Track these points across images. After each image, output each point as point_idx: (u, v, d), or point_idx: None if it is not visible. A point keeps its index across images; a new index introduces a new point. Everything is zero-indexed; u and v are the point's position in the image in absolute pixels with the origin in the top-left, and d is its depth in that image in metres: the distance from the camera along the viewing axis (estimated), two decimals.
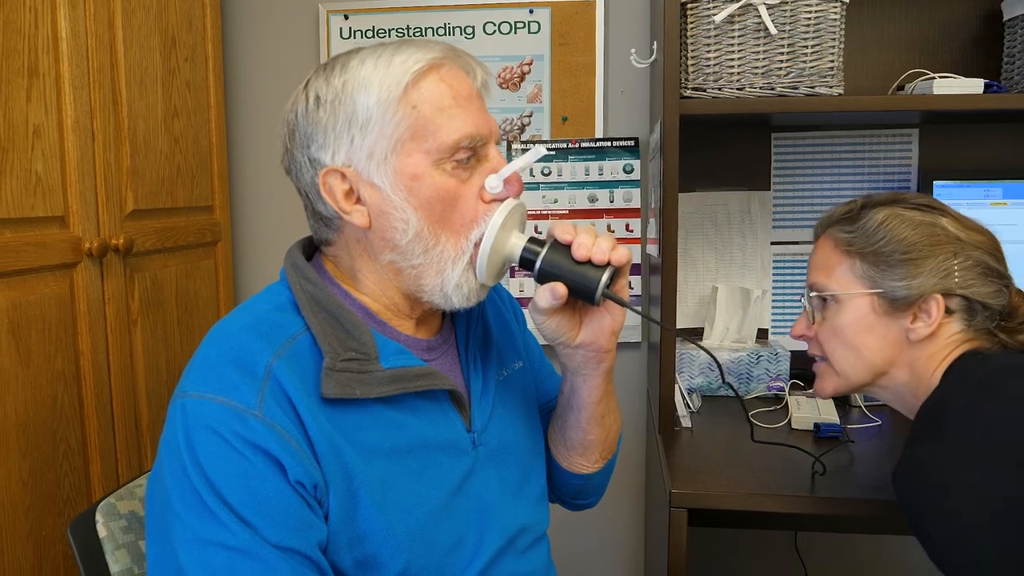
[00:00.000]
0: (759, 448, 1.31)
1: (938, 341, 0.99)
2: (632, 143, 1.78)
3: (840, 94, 1.37)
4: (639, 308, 0.86)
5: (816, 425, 1.38)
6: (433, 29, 1.82)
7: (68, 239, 1.32)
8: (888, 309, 1.00)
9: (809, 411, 1.43)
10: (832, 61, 1.37)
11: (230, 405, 0.74)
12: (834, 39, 1.36)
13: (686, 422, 1.42)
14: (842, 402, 1.53)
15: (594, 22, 1.77)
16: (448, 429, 0.85)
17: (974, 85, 1.36)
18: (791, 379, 1.60)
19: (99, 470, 1.39)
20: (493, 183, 0.83)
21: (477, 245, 0.82)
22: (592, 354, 0.88)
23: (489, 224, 0.82)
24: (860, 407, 1.50)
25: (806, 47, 1.36)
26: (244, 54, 1.91)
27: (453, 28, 1.82)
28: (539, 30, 1.79)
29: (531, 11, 1.79)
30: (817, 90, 1.37)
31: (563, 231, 0.83)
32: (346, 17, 1.85)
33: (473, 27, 1.81)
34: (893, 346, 1.00)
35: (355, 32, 1.84)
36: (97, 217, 1.39)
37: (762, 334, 1.68)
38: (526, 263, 0.84)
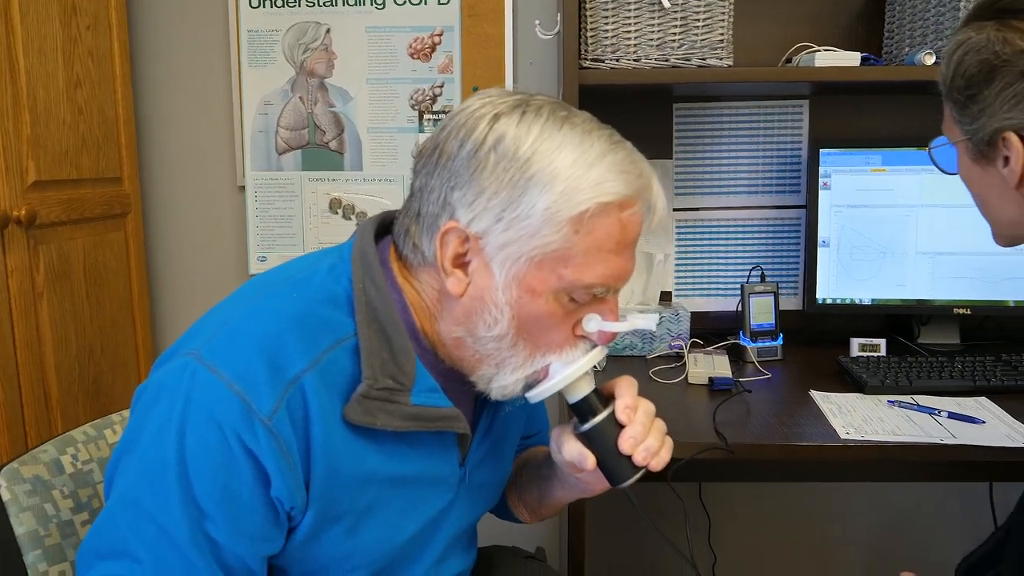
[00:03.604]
0: (660, 402, 1.39)
1: None
2: None
3: (730, 66, 1.45)
4: (636, 503, 0.89)
5: (710, 379, 1.47)
6: None
7: None
8: (977, 155, 0.85)
9: (704, 367, 1.51)
10: (722, 34, 1.44)
11: (243, 400, 0.71)
12: (724, 13, 1.43)
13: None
14: (736, 358, 1.63)
15: None
16: (444, 464, 0.86)
17: (852, 58, 1.46)
18: (691, 338, 1.68)
19: (7, 443, 1.38)
20: (593, 327, 0.79)
21: (545, 368, 0.80)
22: (584, 485, 0.92)
23: (573, 367, 0.79)
24: (753, 363, 1.60)
25: (698, 20, 1.43)
26: (151, 23, 1.88)
27: None
28: (449, 1, 1.81)
29: None
30: (708, 62, 1.44)
31: (624, 411, 0.82)
32: None
33: None
34: (1009, 194, 0.84)
35: (264, 1, 1.83)
36: None
37: (665, 296, 1.76)
38: (578, 412, 0.83)
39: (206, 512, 0.72)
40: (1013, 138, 0.79)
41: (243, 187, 1.89)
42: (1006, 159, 0.81)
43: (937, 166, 0.95)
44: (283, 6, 1.83)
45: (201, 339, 0.76)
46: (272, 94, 1.85)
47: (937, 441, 1.21)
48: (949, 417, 1.29)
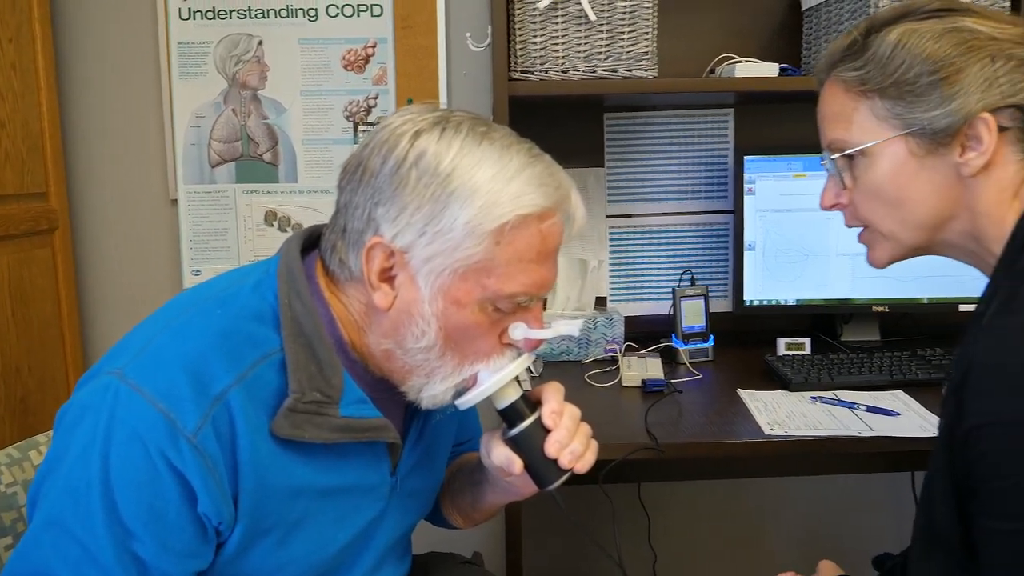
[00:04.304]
0: (594, 405, 1.42)
1: (997, 170, 0.81)
2: None
3: (655, 77, 1.49)
4: (564, 505, 0.92)
5: (643, 381, 1.51)
6: (276, 11, 1.82)
7: None
8: (929, 147, 0.82)
9: (638, 369, 1.55)
10: (647, 46, 1.48)
11: (167, 417, 0.71)
12: (648, 26, 1.48)
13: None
14: (669, 359, 1.68)
15: (435, 6, 1.82)
16: (375, 473, 0.87)
17: (770, 69, 1.52)
18: (626, 342, 1.72)
19: None
20: (518, 334, 0.82)
21: (473, 376, 0.82)
22: (514, 488, 0.94)
23: (500, 374, 0.82)
24: (685, 364, 1.64)
25: (623, 33, 1.47)
26: (77, 35, 1.85)
27: (296, 10, 1.82)
28: (382, 13, 1.82)
29: None
30: (634, 73, 1.48)
31: (550, 416, 0.84)
32: None
33: (316, 9, 1.82)
34: (946, 190, 0.83)
35: (194, 13, 1.82)
36: None
37: (600, 302, 1.80)
38: (506, 418, 0.86)
39: (132, 531, 0.72)
40: (990, 120, 0.79)
41: (175, 200, 1.86)
42: (967, 146, 0.81)
43: (840, 178, 0.90)
44: (214, 18, 1.82)
45: (124, 358, 0.76)
46: (204, 106, 1.84)
47: (855, 434, 1.27)
48: (867, 410, 1.36)
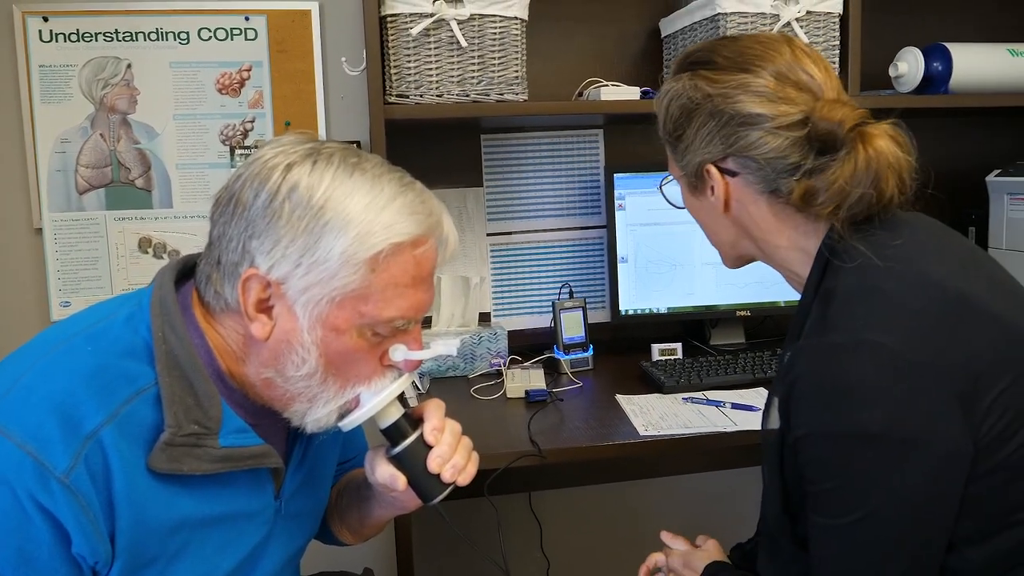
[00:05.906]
0: (479, 417, 1.47)
1: (749, 205, 0.91)
2: (355, 145, 1.87)
3: (525, 100, 1.56)
4: (448, 518, 0.95)
5: (526, 392, 1.57)
6: (145, 34, 1.78)
7: None
8: (691, 188, 0.96)
9: (521, 381, 1.61)
10: (517, 71, 1.55)
11: (36, 459, 0.70)
12: (517, 52, 1.55)
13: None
14: (552, 370, 1.74)
15: (310, 31, 1.84)
16: (258, 498, 0.87)
17: (632, 92, 1.62)
18: (510, 355, 1.78)
19: None
20: (399, 356, 0.84)
21: (356, 398, 0.84)
22: (400, 503, 0.96)
23: (381, 395, 0.84)
24: (567, 374, 1.71)
25: (494, 58, 1.53)
26: None
27: (166, 33, 1.80)
28: (256, 37, 1.82)
29: (247, 18, 1.82)
30: (506, 97, 1.55)
31: (432, 432, 0.88)
32: (45, 19, 1.76)
33: (188, 33, 1.80)
34: (720, 221, 0.95)
35: (57, 35, 1.76)
36: None
37: (484, 317, 1.85)
38: (389, 436, 0.88)
39: None
40: (713, 169, 0.91)
41: (40, 229, 1.79)
42: (712, 188, 0.93)
43: (667, 200, 1.05)
44: (78, 40, 1.77)
45: None
46: (69, 131, 1.78)
47: (721, 429, 1.37)
48: (732, 408, 1.46)
